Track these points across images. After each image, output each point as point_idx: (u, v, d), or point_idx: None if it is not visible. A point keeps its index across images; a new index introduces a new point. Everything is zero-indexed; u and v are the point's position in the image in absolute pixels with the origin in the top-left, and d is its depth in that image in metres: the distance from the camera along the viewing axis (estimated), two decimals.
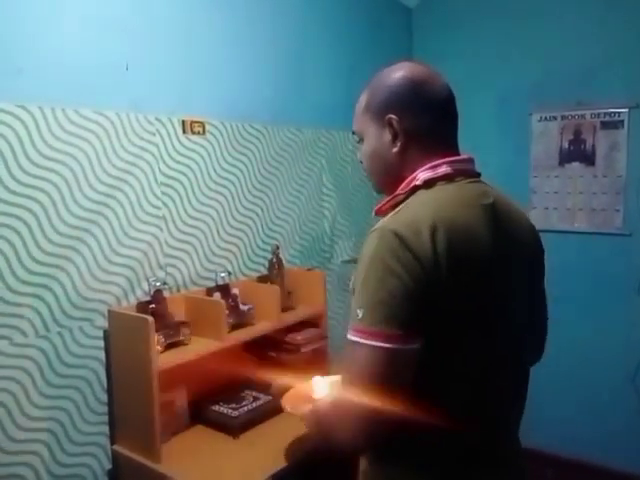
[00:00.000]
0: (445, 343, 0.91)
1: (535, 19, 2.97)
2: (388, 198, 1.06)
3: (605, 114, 2.84)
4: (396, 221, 0.92)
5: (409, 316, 0.87)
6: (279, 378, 1.70)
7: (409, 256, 0.87)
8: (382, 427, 0.90)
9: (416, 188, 1.00)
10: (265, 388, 2.04)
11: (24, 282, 1.56)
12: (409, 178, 1.02)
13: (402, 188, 1.03)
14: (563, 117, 2.96)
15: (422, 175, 1.01)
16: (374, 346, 0.87)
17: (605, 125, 2.85)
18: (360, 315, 0.89)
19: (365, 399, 0.87)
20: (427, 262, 0.87)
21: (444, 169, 1.01)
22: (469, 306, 0.92)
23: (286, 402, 1.58)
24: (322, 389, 1.54)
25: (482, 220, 0.96)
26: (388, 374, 0.88)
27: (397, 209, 0.97)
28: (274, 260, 2.24)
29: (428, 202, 0.96)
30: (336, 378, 1.56)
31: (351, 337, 0.90)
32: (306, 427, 1.21)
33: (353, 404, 0.90)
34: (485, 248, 0.95)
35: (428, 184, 1.00)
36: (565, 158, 2.98)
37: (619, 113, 2.81)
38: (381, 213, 1.06)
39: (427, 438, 0.96)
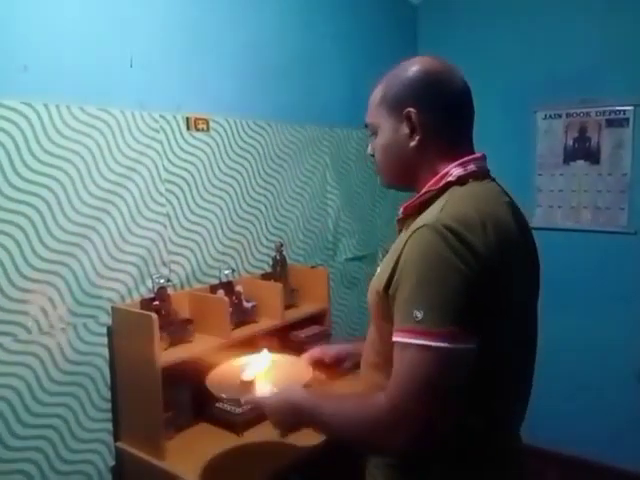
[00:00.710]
0: (493, 340, 0.89)
1: (540, 16, 2.95)
2: (419, 193, 1.03)
3: (610, 112, 2.83)
4: (447, 217, 0.89)
5: (473, 313, 0.85)
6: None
7: (467, 251, 0.85)
8: (440, 433, 0.87)
9: (450, 184, 0.99)
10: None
11: (28, 279, 1.56)
12: (440, 174, 1.00)
13: (432, 184, 1.01)
14: (568, 115, 2.95)
15: (455, 171, 0.99)
16: (440, 347, 0.83)
17: (610, 123, 2.84)
18: (420, 316, 0.85)
19: (431, 406, 0.85)
20: (483, 257, 0.86)
21: (471, 167, 1.01)
22: (511, 302, 0.93)
23: (214, 385, 1.37)
24: (255, 370, 1.42)
25: (511, 217, 0.98)
26: (455, 376, 0.86)
27: (437, 205, 0.95)
28: (278, 257, 2.24)
29: (470, 198, 0.95)
30: (273, 357, 1.49)
31: (410, 340, 0.86)
32: (273, 418, 1.14)
33: (417, 410, 0.85)
34: (517, 243, 0.96)
35: (461, 181, 0.99)
36: (570, 156, 2.97)
37: (624, 111, 2.79)
38: (411, 209, 1.04)
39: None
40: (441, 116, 1.02)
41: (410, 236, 0.91)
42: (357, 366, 1.34)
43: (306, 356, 1.44)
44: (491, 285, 0.87)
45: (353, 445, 1.04)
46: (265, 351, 1.52)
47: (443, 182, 0.99)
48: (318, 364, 1.42)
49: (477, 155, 1.04)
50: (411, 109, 1.01)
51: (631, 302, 2.81)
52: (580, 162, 2.95)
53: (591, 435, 2.93)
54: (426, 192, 1.01)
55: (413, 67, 1.04)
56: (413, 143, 1.03)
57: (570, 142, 2.97)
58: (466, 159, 1.01)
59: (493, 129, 3.08)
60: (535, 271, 1.07)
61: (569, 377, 2.97)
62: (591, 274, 2.93)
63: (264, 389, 1.33)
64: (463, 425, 0.91)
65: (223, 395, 1.40)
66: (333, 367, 1.43)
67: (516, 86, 3.05)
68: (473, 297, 0.85)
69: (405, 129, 1.03)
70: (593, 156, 2.91)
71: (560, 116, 2.98)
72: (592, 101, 2.86)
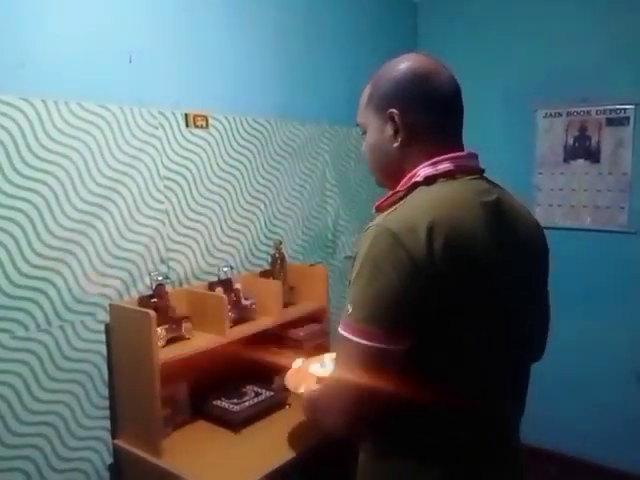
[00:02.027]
0: (442, 342, 0.91)
1: (541, 15, 2.94)
2: (388, 194, 1.04)
3: (611, 111, 2.82)
4: (392, 219, 0.91)
5: (394, 317, 0.87)
6: (287, 355, 1.72)
7: (403, 255, 0.86)
8: (366, 411, 0.92)
9: (416, 184, 0.98)
10: (266, 383, 2.04)
11: (26, 275, 1.56)
12: (410, 174, 1.00)
13: (403, 184, 1.01)
14: (568, 113, 2.94)
15: (423, 171, 0.99)
16: (358, 343, 0.88)
17: (611, 122, 2.83)
18: (349, 310, 0.90)
19: (350, 380, 0.89)
20: (421, 261, 0.86)
21: (445, 165, 0.99)
22: (466, 305, 0.91)
23: (289, 381, 1.58)
24: (328, 368, 1.54)
25: (482, 218, 0.94)
26: (371, 370, 0.88)
27: (396, 206, 0.95)
28: (277, 255, 2.24)
29: (427, 200, 0.94)
30: None
31: (340, 331, 0.92)
32: (302, 409, 1.21)
33: (339, 385, 0.93)
34: (483, 246, 0.93)
35: (429, 180, 0.98)
36: (570, 155, 2.96)
37: (625, 110, 2.79)
38: (381, 209, 1.04)
39: (426, 436, 0.96)
40: (425, 116, 1.01)
41: (362, 234, 0.94)
42: None
43: None
44: (433, 288, 0.86)
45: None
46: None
47: (411, 182, 0.99)
48: None
49: (459, 154, 1.01)
50: (394, 110, 1.01)
51: (631, 302, 2.81)
52: (580, 161, 2.94)
53: (591, 435, 2.92)
54: (396, 192, 1.02)
55: (399, 66, 1.03)
56: (396, 144, 1.02)
57: (570, 141, 2.96)
58: (440, 158, 0.99)
59: (493, 128, 3.08)
60: (526, 271, 1.03)
61: (568, 376, 2.97)
62: (591, 273, 2.92)
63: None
64: (454, 424, 0.93)
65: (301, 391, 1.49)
66: None
67: (516, 84, 3.04)
68: (402, 301, 0.86)
69: (389, 130, 1.03)
70: (593, 155, 2.90)
71: (560, 115, 2.97)
72: (593, 100, 2.85)
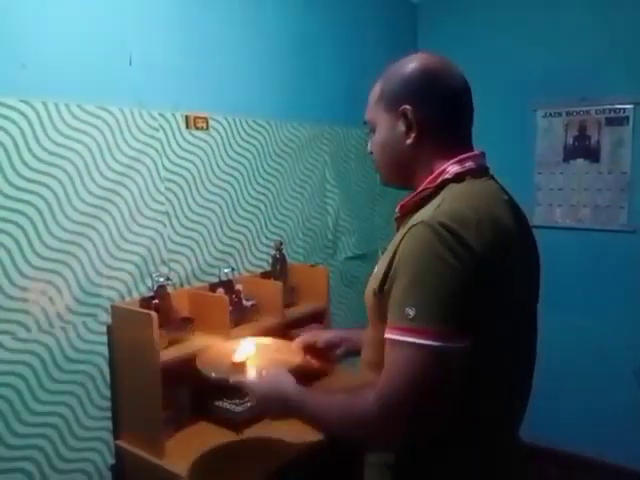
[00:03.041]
0: (490, 340, 0.89)
1: (540, 14, 2.95)
2: (415, 192, 1.02)
3: (610, 110, 2.83)
4: (442, 214, 0.88)
5: (468, 312, 0.85)
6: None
7: (462, 249, 0.84)
8: (427, 432, 0.87)
9: (446, 182, 0.98)
10: None
11: (28, 277, 1.56)
12: (437, 172, 1.00)
13: (430, 182, 1.00)
14: (568, 113, 2.95)
15: (452, 168, 0.99)
16: (432, 346, 0.83)
17: (610, 121, 2.84)
18: (412, 314, 0.84)
19: (419, 404, 0.84)
20: (479, 255, 0.85)
21: (470, 164, 1.00)
22: (509, 300, 0.92)
23: (204, 365, 1.40)
24: (246, 352, 1.42)
25: (510, 215, 0.97)
26: (445, 374, 0.85)
27: (434, 202, 0.94)
28: (277, 256, 2.24)
29: (466, 196, 0.94)
30: (265, 341, 1.53)
31: (402, 338, 0.85)
32: (259, 405, 1.16)
33: (405, 408, 0.85)
34: (517, 243, 0.95)
35: (458, 178, 0.98)
36: (570, 154, 2.97)
37: (624, 109, 2.79)
38: (407, 207, 1.03)
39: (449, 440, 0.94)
40: (438, 113, 1.01)
41: (406, 234, 0.90)
42: (350, 353, 1.35)
43: (298, 340, 1.44)
44: (487, 284, 0.86)
45: (340, 437, 1.07)
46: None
47: (440, 179, 0.99)
48: (310, 349, 1.42)
49: (475, 153, 1.03)
50: (407, 106, 1.01)
51: (631, 301, 2.81)
52: (580, 160, 2.95)
53: (591, 434, 2.93)
54: (423, 190, 1.00)
55: (411, 64, 1.03)
56: (409, 141, 1.02)
57: (570, 140, 2.96)
58: (464, 156, 1.00)
59: (493, 127, 3.07)
60: (535, 271, 1.06)
61: (568, 376, 2.97)
62: (591, 273, 2.93)
63: (253, 372, 1.32)
64: (460, 424, 0.91)
65: (212, 375, 1.38)
66: (325, 352, 1.43)
67: (516, 84, 3.04)
68: (468, 296, 0.85)
69: (402, 126, 1.02)
70: (593, 154, 2.90)
71: (560, 114, 2.97)
72: (592, 99, 2.86)
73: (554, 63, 2.92)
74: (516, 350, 0.98)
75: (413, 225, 0.90)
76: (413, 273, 0.86)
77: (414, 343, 0.84)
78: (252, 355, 1.42)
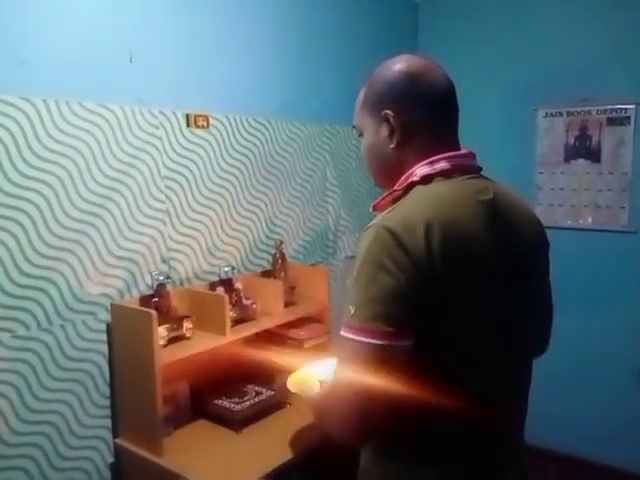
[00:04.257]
0: (441, 340, 0.91)
1: (541, 14, 2.94)
2: (385, 194, 1.05)
3: (611, 110, 2.82)
4: (390, 218, 0.91)
5: (400, 314, 0.87)
6: (287, 358, 1.71)
7: (402, 254, 0.86)
8: (372, 415, 0.90)
9: (413, 184, 0.99)
10: (267, 383, 2.04)
11: (27, 275, 1.56)
12: (406, 174, 1.01)
13: (399, 184, 1.02)
14: (569, 113, 2.94)
15: (419, 171, 0.99)
16: (364, 342, 0.87)
17: (611, 121, 2.83)
18: (352, 311, 0.89)
19: (356, 384, 0.88)
20: (420, 260, 0.86)
21: (442, 165, 0.99)
22: (465, 303, 0.91)
23: (292, 384, 1.58)
24: (330, 371, 1.53)
25: (479, 217, 0.95)
26: (378, 370, 0.87)
27: (394, 205, 0.96)
28: (277, 255, 2.24)
29: (424, 199, 0.95)
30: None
31: (342, 333, 0.91)
32: (311, 413, 1.21)
33: (344, 388, 0.90)
34: (480, 245, 0.94)
35: (425, 180, 0.98)
36: (571, 154, 2.96)
37: (625, 109, 2.79)
38: (379, 209, 1.05)
39: (426, 436, 0.96)
40: (420, 117, 1.01)
41: (362, 235, 0.94)
42: None
43: None
44: (432, 287, 0.87)
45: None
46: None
47: (408, 181, 1.00)
48: None
49: (455, 153, 1.02)
50: (388, 111, 1.01)
51: (631, 301, 2.81)
52: (581, 160, 2.94)
53: (590, 434, 2.92)
54: (393, 191, 1.02)
55: (392, 67, 1.03)
56: (392, 145, 1.03)
57: (571, 140, 2.96)
58: (437, 157, 0.99)
59: (494, 127, 3.08)
60: (526, 267, 1.03)
61: (568, 376, 2.97)
62: (591, 273, 2.92)
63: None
64: (453, 424, 0.93)
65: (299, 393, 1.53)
66: None
67: (517, 84, 3.03)
68: (405, 298, 0.86)
69: (385, 131, 1.03)
70: (594, 155, 2.90)
71: (561, 114, 2.97)
72: (593, 99, 2.85)
73: (555, 62, 2.91)
74: (487, 345, 0.96)
75: (367, 227, 0.94)
76: (357, 274, 0.91)
77: (351, 338, 0.89)
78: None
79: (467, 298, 0.91)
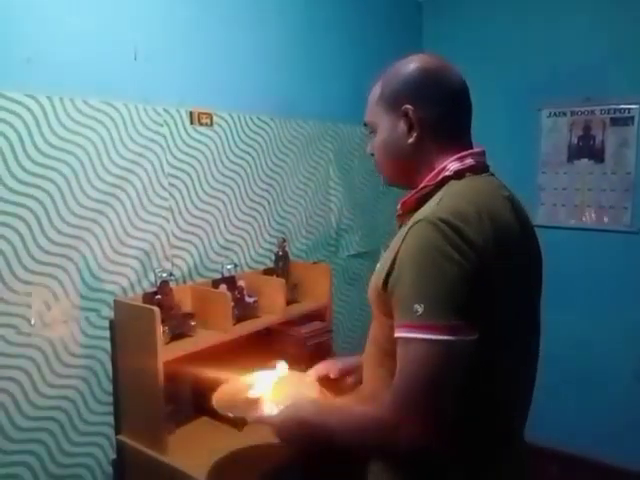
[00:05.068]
0: (493, 336, 0.89)
1: (545, 14, 2.94)
2: (416, 189, 1.03)
3: (615, 110, 2.82)
4: (442, 210, 0.89)
5: (472, 306, 0.85)
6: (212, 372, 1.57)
7: (464, 244, 0.85)
8: (445, 431, 0.85)
9: (446, 179, 1.00)
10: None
11: (31, 271, 1.56)
12: (437, 169, 1.01)
13: (430, 179, 1.01)
14: (572, 113, 2.94)
15: (452, 166, 1.00)
16: (443, 340, 0.83)
17: (615, 121, 2.83)
18: (421, 310, 0.84)
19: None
20: (480, 250, 0.86)
21: (469, 161, 1.01)
22: (509, 296, 0.92)
23: (220, 403, 1.37)
24: (262, 387, 1.42)
25: (510, 211, 0.98)
26: (458, 369, 0.85)
27: (434, 199, 0.95)
28: (280, 253, 2.24)
29: (466, 192, 0.95)
30: (278, 374, 1.49)
31: (413, 335, 0.85)
32: (281, 436, 1.11)
33: (422, 407, 0.84)
34: (517, 238, 0.96)
35: (458, 175, 0.99)
36: (574, 154, 2.96)
37: (629, 109, 2.78)
38: (408, 204, 1.05)
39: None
40: (438, 112, 1.02)
41: (408, 231, 0.91)
42: (361, 380, 1.34)
43: (312, 372, 1.43)
44: (489, 277, 0.87)
45: (362, 452, 1.04)
46: (280, 364, 1.52)
47: (440, 177, 1.00)
48: (324, 380, 1.41)
49: (475, 150, 1.04)
50: (408, 106, 1.02)
51: (633, 301, 2.81)
52: (584, 160, 2.94)
53: (591, 434, 2.93)
54: (424, 187, 1.02)
55: (410, 64, 1.04)
56: (411, 140, 1.03)
57: (574, 140, 2.96)
58: (464, 153, 1.01)
59: (497, 127, 3.08)
60: (535, 268, 1.06)
61: (569, 375, 2.97)
62: (594, 273, 2.92)
63: (270, 407, 1.30)
64: (467, 424, 0.91)
65: (229, 414, 1.37)
66: (339, 383, 1.41)
67: (521, 84, 3.03)
68: (472, 289, 0.85)
69: (403, 126, 1.04)
70: (597, 155, 2.90)
71: (565, 114, 2.97)
72: (597, 99, 2.85)
73: (559, 62, 2.91)
74: (515, 347, 0.98)
75: (415, 222, 0.90)
76: (418, 270, 0.87)
77: (424, 339, 0.84)
78: (268, 390, 1.41)
79: (511, 289, 0.93)
